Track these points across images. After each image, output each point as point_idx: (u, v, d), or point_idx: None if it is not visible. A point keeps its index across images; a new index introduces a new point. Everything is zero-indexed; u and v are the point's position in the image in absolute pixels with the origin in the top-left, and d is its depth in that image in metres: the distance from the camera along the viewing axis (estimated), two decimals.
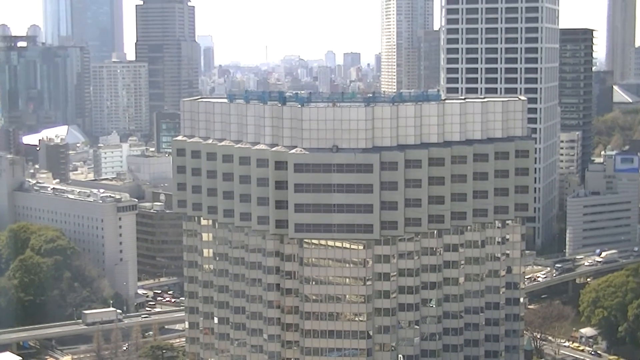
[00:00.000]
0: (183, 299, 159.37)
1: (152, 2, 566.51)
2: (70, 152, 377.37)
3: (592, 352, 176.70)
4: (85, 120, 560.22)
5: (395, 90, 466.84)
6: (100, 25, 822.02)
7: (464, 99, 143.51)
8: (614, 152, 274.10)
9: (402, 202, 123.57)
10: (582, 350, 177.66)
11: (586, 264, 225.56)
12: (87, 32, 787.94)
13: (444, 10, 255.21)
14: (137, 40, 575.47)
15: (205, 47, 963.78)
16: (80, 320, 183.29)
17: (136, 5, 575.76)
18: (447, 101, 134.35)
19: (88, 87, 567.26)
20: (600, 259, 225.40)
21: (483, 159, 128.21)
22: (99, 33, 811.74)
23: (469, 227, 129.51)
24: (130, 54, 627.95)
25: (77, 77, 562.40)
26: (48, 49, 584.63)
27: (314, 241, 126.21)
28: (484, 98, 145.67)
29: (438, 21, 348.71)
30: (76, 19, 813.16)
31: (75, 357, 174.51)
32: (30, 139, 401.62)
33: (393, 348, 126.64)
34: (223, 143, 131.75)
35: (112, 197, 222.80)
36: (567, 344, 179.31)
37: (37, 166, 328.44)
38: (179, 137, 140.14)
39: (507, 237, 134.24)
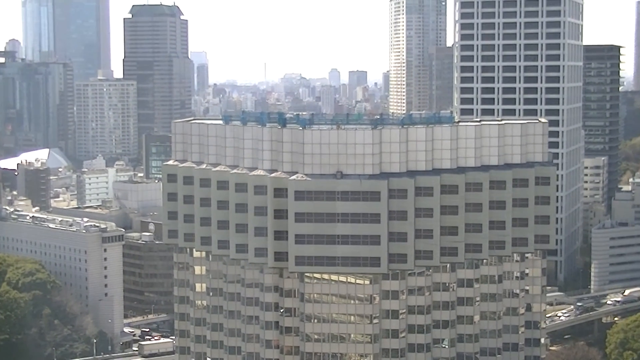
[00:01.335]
0: (173, 338, 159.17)
1: (142, 15, 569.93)
2: (51, 178, 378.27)
3: None
4: (68, 143, 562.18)
5: (404, 112, 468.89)
6: (85, 40, 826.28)
7: (480, 121, 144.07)
8: None
9: (412, 233, 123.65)
10: None
11: (610, 301, 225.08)
12: (70, 47, 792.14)
13: (457, 25, 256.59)
14: (125, 57, 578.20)
15: (199, 64, 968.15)
16: (135, 352, 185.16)
17: (124, 19, 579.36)
18: (461, 124, 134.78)
19: (71, 107, 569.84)
20: (620, 298, 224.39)
21: (500, 187, 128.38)
22: (83, 48, 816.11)
23: (484, 261, 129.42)
24: (117, 71, 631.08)
25: (60, 96, 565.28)
26: (28, 65, 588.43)
27: (316, 275, 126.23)
28: (501, 120, 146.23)
29: (451, 37, 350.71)
30: (59, 33, 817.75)
31: None
32: (8, 163, 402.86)
33: None
34: (218, 168, 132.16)
35: (97, 226, 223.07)
36: None
37: (15, 193, 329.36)
38: (170, 162, 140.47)
39: (527, 271, 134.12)
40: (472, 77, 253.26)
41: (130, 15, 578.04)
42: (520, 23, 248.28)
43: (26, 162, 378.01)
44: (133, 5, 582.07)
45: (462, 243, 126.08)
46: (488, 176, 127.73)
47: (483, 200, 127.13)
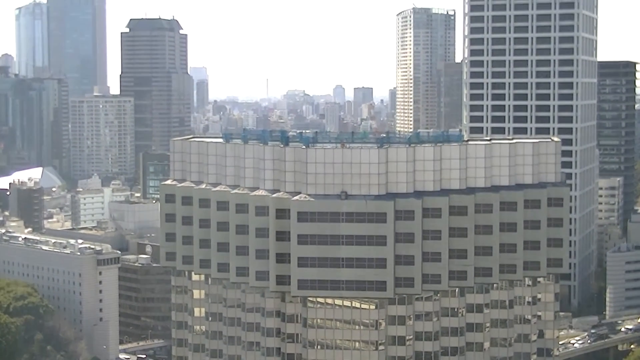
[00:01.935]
0: None
1: (140, 29, 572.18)
2: (44, 198, 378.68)
3: None
4: (63, 162, 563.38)
5: (411, 130, 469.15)
6: (80, 55, 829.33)
7: (490, 140, 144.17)
8: None
9: (420, 256, 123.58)
10: None
11: (624, 328, 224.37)
12: (66, 62, 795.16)
13: (467, 40, 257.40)
14: (122, 72, 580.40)
15: (199, 80, 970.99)
16: None
17: (121, 33, 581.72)
18: (470, 142, 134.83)
19: (66, 124, 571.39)
20: (631, 326, 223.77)
21: (511, 208, 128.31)
22: (79, 64, 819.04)
23: (495, 285, 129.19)
24: (114, 87, 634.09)
25: (54, 113, 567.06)
26: (21, 81, 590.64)
27: (319, 300, 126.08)
28: (512, 139, 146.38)
29: (460, 52, 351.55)
30: (54, 48, 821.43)
31: None
32: None
33: None
34: (218, 188, 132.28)
35: (92, 248, 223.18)
36: None
37: (7, 213, 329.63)
38: (168, 181, 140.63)
39: (539, 296, 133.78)
40: (482, 94, 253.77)
41: (127, 30, 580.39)
42: (532, 38, 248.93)
43: (19, 181, 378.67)
44: (131, 19, 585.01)
45: (472, 266, 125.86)
46: (498, 197, 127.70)
47: (493, 222, 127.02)
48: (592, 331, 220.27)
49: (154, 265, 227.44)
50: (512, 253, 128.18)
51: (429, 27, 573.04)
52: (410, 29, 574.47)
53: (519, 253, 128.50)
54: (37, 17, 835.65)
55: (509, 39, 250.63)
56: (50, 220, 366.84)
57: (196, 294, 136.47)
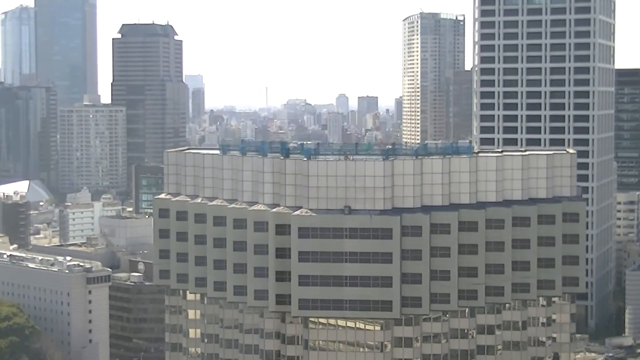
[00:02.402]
0: None
1: (132, 35, 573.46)
2: (31, 212, 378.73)
3: None
4: (51, 174, 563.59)
5: (419, 141, 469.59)
6: (70, 62, 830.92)
7: (501, 151, 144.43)
8: None
9: (427, 274, 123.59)
10: None
11: None
12: (54, 69, 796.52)
13: (477, 47, 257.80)
14: (113, 80, 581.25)
15: (195, 89, 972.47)
16: None
17: (113, 39, 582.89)
18: (480, 154, 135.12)
19: (54, 134, 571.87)
20: None
21: (524, 224, 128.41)
22: (68, 71, 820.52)
23: (507, 305, 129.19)
24: (105, 96, 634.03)
25: (42, 123, 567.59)
26: (7, 89, 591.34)
27: (321, 320, 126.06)
28: (525, 151, 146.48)
29: (470, 60, 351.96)
30: (42, 55, 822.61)
31: None
32: None
33: None
34: (214, 202, 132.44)
35: (81, 266, 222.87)
36: None
37: None
38: (162, 195, 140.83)
39: (554, 317, 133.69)
40: (493, 104, 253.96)
41: (119, 35, 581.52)
42: (545, 45, 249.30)
43: (4, 195, 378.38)
44: (123, 25, 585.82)
45: (482, 285, 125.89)
46: (511, 212, 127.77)
47: (505, 238, 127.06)
48: (609, 354, 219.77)
49: (147, 283, 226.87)
50: (525, 271, 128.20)
51: (437, 33, 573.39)
52: (418, 35, 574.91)
53: (532, 271, 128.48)
54: (24, 22, 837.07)
55: (522, 45, 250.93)
56: (37, 236, 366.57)
57: (191, 314, 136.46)
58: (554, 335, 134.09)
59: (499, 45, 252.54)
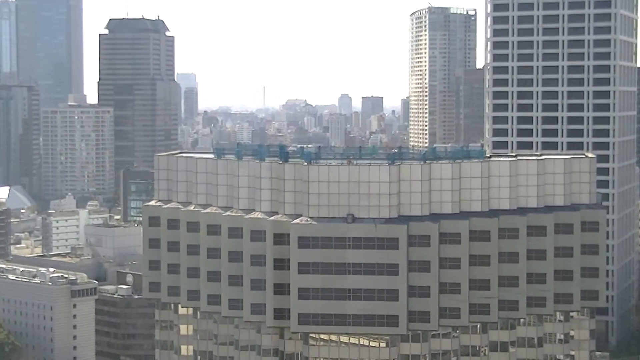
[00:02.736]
0: None
1: (120, 31, 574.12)
2: (12, 220, 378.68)
3: None
4: (33, 180, 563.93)
5: (427, 145, 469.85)
6: (53, 60, 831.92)
7: (515, 156, 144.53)
8: None
9: (436, 286, 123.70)
10: None
11: None
12: (37, 67, 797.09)
13: (489, 43, 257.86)
14: (100, 79, 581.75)
15: (187, 88, 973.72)
16: None
17: (100, 35, 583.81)
18: (493, 159, 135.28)
19: (37, 137, 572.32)
20: None
21: (540, 233, 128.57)
22: (52, 69, 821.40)
23: (522, 320, 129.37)
24: (91, 96, 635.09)
25: (23, 125, 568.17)
26: None
27: (322, 336, 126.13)
28: (541, 155, 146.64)
29: (482, 57, 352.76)
30: (23, 52, 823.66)
31: None
32: None
33: None
34: (208, 210, 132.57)
35: (65, 278, 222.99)
36: None
37: None
38: (152, 202, 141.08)
39: (572, 333, 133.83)
40: (507, 105, 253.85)
41: (106, 31, 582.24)
42: (563, 41, 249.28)
43: None
44: (110, 19, 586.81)
45: (495, 299, 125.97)
46: (525, 220, 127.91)
47: (519, 248, 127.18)
48: None
49: (136, 297, 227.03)
50: (541, 284, 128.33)
51: (447, 29, 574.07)
52: (426, 30, 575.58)
53: (548, 284, 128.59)
54: (4, 16, 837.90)
55: (537, 42, 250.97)
56: (18, 246, 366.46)
57: (183, 329, 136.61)
58: (572, 353, 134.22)
59: (512, 42, 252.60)
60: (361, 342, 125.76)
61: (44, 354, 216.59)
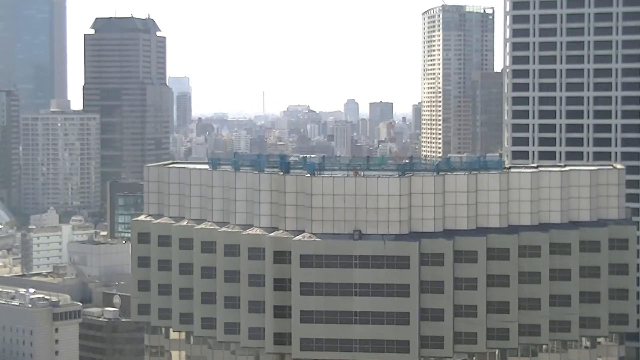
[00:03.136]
0: None
1: (107, 30, 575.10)
2: None
3: None
4: (12, 193, 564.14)
5: (440, 155, 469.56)
6: (35, 62, 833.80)
7: (537, 167, 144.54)
8: None
9: (451, 309, 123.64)
10: None
11: None
12: (16, 70, 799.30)
13: (508, 45, 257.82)
14: (85, 83, 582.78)
15: (180, 93, 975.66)
16: None
17: (85, 35, 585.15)
18: (512, 170, 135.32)
19: (16, 146, 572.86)
20: None
21: (563, 251, 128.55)
22: (33, 72, 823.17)
23: (544, 347, 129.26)
24: (76, 101, 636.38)
25: (2, 132, 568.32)
26: None
27: None
28: (565, 166, 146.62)
29: (500, 60, 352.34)
30: (1, 53, 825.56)
31: None
32: None
33: None
34: (202, 226, 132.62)
35: (47, 299, 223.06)
36: None
37: None
38: (142, 217, 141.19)
39: None
40: (527, 111, 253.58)
41: (92, 31, 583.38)
42: (588, 42, 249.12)
43: None
44: (96, 18, 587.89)
45: (515, 323, 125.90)
46: (548, 237, 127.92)
47: (542, 268, 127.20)
48: None
49: (124, 320, 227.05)
50: (565, 307, 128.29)
51: (462, 29, 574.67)
52: (439, 31, 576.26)
53: (573, 307, 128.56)
54: None
55: (560, 43, 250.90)
56: None
57: (175, 355, 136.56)
58: None
59: (533, 43, 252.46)
60: None
61: None
